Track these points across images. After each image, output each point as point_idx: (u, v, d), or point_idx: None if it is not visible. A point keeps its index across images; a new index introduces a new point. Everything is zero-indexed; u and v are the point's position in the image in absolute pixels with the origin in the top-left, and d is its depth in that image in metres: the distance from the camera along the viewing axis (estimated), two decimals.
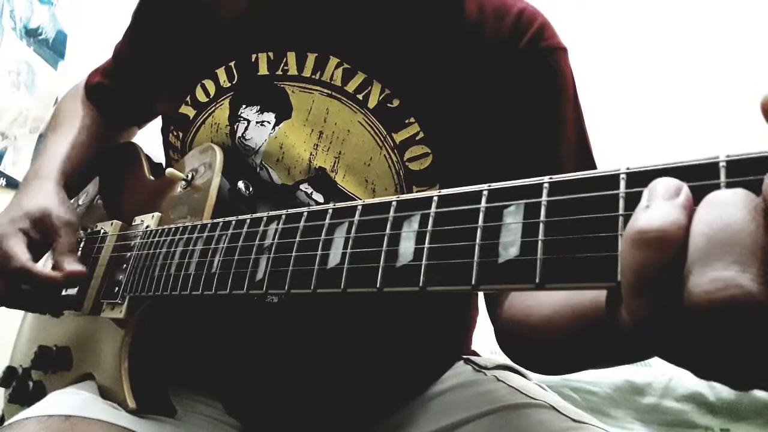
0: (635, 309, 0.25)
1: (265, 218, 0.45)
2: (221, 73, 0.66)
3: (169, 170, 0.61)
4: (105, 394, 0.57)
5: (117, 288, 0.58)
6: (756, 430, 1.47)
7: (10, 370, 0.75)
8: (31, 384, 0.70)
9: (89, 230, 0.69)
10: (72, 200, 0.75)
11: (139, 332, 0.57)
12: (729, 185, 0.24)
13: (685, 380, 1.55)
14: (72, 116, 0.82)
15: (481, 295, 0.72)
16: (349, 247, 0.37)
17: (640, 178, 0.26)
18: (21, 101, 1.64)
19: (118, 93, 0.84)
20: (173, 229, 0.55)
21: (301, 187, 0.62)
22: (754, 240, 0.22)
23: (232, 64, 0.66)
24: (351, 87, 0.62)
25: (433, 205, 0.34)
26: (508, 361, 0.65)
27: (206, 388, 0.66)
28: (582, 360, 0.46)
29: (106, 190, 0.80)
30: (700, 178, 0.25)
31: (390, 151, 0.61)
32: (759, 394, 1.46)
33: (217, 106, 0.65)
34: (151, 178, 0.74)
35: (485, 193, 0.32)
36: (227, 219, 0.49)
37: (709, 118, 2.34)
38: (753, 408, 1.48)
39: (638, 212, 0.25)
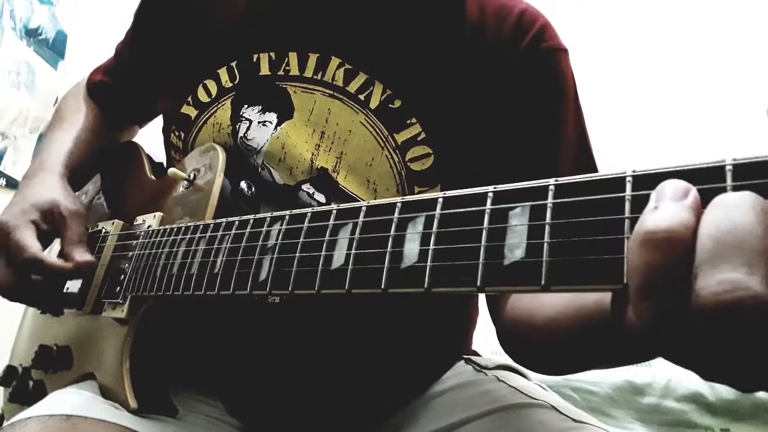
0: (643, 311, 0.25)
1: (268, 219, 0.45)
2: (223, 73, 0.66)
3: (172, 170, 0.61)
4: (106, 393, 0.57)
5: (118, 287, 0.58)
6: (756, 430, 1.48)
7: (10, 369, 0.75)
8: (31, 383, 0.69)
9: (90, 230, 0.69)
10: None
11: (141, 332, 0.57)
12: (735, 188, 0.24)
13: (685, 380, 1.55)
14: (74, 113, 0.82)
15: (482, 295, 0.72)
16: (353, 248, 0.37)
17: (646, 181, 0.26)
18: (21, 101, 1.64)
19: (120, 92, 0.84)
20: (175, 228, 0.55)
21: (303, 187, 0.62)
22: (761, 242, 0.22)
23: (233, 64, 0.66)
24: (353, 87, 0.62)
25: (438, 206, 0.34)
26: (508, 361, 0.65)
27: (207, 388, 0.66)
28: (585, 360, 0.46)
29: (107, 190, 0.80)
30: (706, 181, 0.25)
31: (391, 151, 0.61)
32: (759, 394, 1.46)
33: (219, 106, 0.65)
34: (153, 177, 0.74)
35: (490, 195, 0.32)
36: (230, 219, 0.49)
37: (709, 118, 2.34)
38: (753, 408, 1.48)
39: (646, 213, 0.25)
